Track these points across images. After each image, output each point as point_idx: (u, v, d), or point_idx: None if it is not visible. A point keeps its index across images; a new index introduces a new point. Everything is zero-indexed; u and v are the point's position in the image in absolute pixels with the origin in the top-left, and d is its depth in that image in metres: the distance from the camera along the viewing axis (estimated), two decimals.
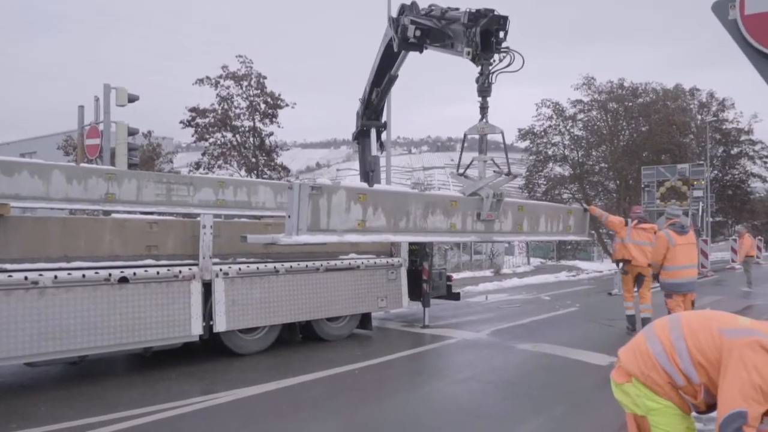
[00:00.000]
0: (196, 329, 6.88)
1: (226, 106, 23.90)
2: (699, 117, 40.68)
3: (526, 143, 37.44)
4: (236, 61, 23.91)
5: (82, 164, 12.60)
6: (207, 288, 7.08)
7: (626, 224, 9.82)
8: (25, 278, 5.72)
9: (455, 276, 14.50)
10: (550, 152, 37.71)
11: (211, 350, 7.54)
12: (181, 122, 23.75)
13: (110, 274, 6.27)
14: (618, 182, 36.70)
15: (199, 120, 23.79)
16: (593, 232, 30.53)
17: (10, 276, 5.65)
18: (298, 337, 8.44)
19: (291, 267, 7.88)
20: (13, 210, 6.46)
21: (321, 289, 8.20)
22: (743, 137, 41.69)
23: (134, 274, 6.45)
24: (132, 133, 15.87)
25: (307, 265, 8.06)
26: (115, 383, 6.42)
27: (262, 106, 24.33)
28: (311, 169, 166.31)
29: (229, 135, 24.29)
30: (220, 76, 23.62)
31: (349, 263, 8.62)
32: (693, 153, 37.43)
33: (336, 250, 8.39)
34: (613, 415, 4.72)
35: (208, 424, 5.10)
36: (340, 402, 5.83)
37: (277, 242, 5.74)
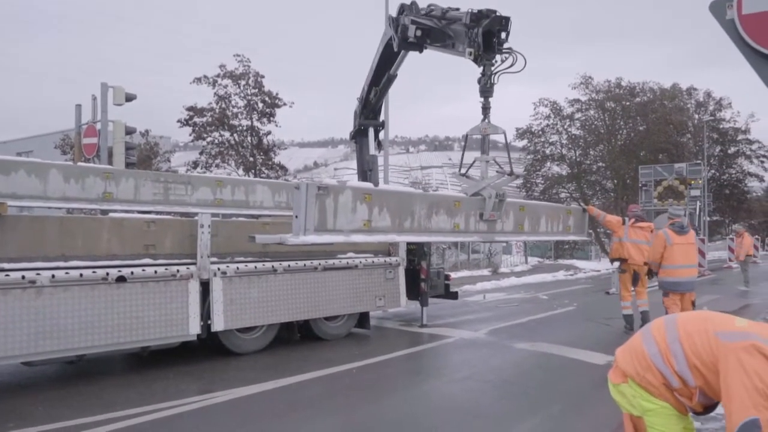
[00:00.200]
0: (194, 328, 6.88)
1: (223, 105, 23.87)
2: (696, 116, 40.80)
3: (524, 142, 37.48)
4: (234, 60, 23.92)
5: (80, 163, 12.58)
6: (205, 287, 7.07)
7: (623, 223, 9.87)
8: (23, 277, 5.71)
9: (453, 275, 14.51)
10: (547, 151, 37.74)
11: (208, 349, 7.54)
12: (178, 121, 23.73)
13: (108, 274, 6.26)
14: (615, 181, 36.75)
15: (196, 119, 23.76)
16: (591, 231, 30.56)
17: (7, 275, 5.64)
18: (296, 336, 8.44)
19: (289, 266, 7.88)
20: (10, 209, 6.44)
21: (319, 289, 8.20)
22: (740, 136, 41.82)
23: (132, 273, 6.44)
24: (129, 132, 15.84)
25: (305, 264, 8.06)
26: (113, 382, 6.41)
27: (260, 105, 24.31)
28: (309, 168, 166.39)
29: (226, 134, 24.27)
30: (218, 75, 23.61)
31: (347, 262, 8.62)
32: (690, 152, 37.53)
33: (334, 249, 8.39)
34: (610, 414, 4.74)
35: (205, 424, 5.10)
36: (338, 401, 5.84)
37: (285, 242, 5.73)
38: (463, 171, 7.70)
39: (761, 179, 44.94)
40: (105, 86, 15.35)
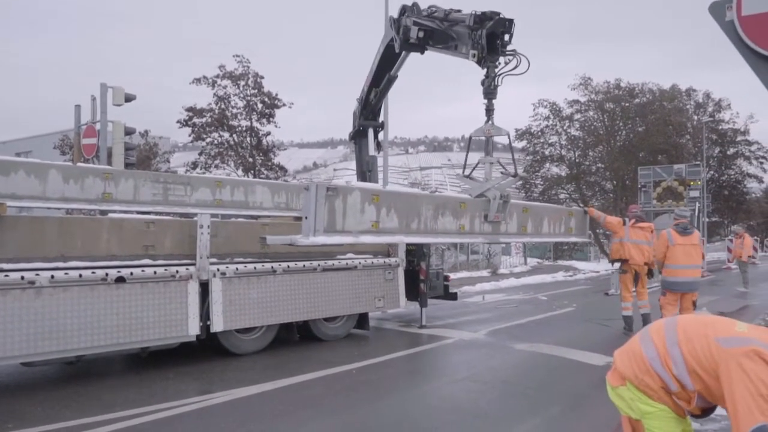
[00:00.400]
0: (193, 329, 6.87)
1: (223, 106, 23.90)
2: (695, 117, 40.83)
3: (523, 143, 37.50)
4: (233, 60, 23.94)
5: (79, 164, 12.57)
6: (204, 288, 7.07)
7: (624, 224, 9.90)
8: (22, 278, 5.71)
9: (452, 276, 14.52)
10: (546, 152, 37.76)
11: (208, 350, 7.53)
12: (178, 122, 23.76)
13: (107, 274, 6.26)
14: (615, 182, 36.77)
15: (196, 119, 23.79)
16: (590, 232, 30.57)
17: (6, 276, 5.63)
18: (296, 337, 8.44)
19: (288, 267, 7.88)
20: (9, 209, 6.44)
21: (318, 289, 8.20)
22: (739, 138, 41.85)
23: (131, 273, 6.44)
24: (129, 132, 15.84)
25: (304, 265, 8.06)
26: (112, 383, 6.40)
27: (259, 105, 24.34)
28: (308, 169, 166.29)
29: (226, 135, 24.29)
30: (218, 76, 23.65)
31: (347, 263, 8.62)
32: (689, 153, 37.54)
33: (333, 250, 8.39)
34: (609, 415, 4.73)
35: (205, 425, 5.09)
36: (338, 402, 5.83)
37: (295, 243, 5.75)
38: (467, 172, 7.71)
39: (760, 180, 45.04)
40: (104, 86, 15.35)
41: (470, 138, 7.68)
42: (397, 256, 9.33)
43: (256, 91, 24.12)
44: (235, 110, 24.18)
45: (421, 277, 9.86)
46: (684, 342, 2.72)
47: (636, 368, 2.85)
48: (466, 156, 7.82)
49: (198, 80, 23.54)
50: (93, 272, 6.18)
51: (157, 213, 9.50)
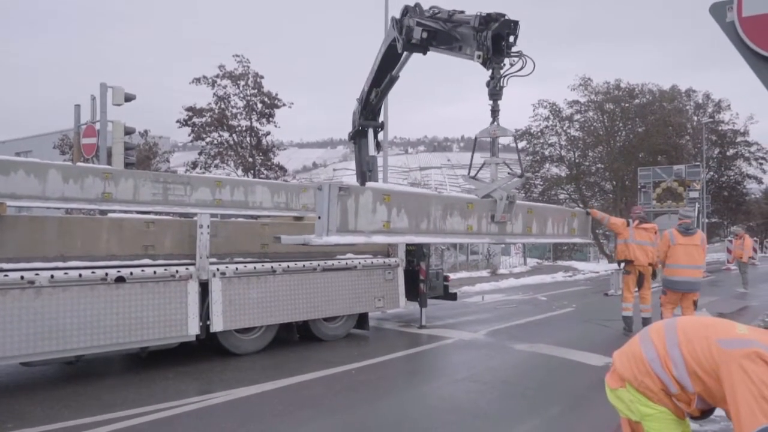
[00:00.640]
0: (193, 329, 6.87)
1: (222, 106, 23.88)
2: (695, 118, 40.84)
3: (523, 144, 37.48)
4: (233, 60, 23.92)
5: (79, 163, 12.56)
6: (204, 288, 7.07)
7: (628, 225, 9.93)
8: (22, 278, 5.70)
9: (452, 276, 14.52)
10: (546, 153, 37.75)
11: (207, 350, 7.53)
12: (177, 121, 23.74)
13: (107, 274, 6.26)
14: (614, 183, 36.77)
15: (195, 119, 23.77)
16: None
17: (6, 275, 5.63)
18: (295, 337, 8.44)
19: (288, 267, 7.88)
20: (9, 209, 6.44)
21: (318, 289, 8.20)
22: (739, 138, 41.86)
23: (131, 273, 6.44)
24: (128, 132, 15.83)
25: (304, 265, 8.06)
26: (112, 383, 6.40)
27: (259, 105, 24.32)
28: (308, 169, 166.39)
29: (225, 134, 24.28)
30: (217, 76, 23.62)
31: (346, 263, 8.62)
32: (689, 154, 37.56)
33: (333, 250, 8.39)
34: (608, 416, 4.73)
35: (204, 425, 5.09)
36: (337, 402, 5.83)
37: (309, 243, 5.76)
38: (472, 173, 7.75)
39: (760, 181, 45.02)
40: (104, 86, 15.34)
41: (476, 139, 7.70)
42: (396, 256, 9.33)
43: (255, 91, 24.10)
44: (234, 110, 24.17)
45: (420, 277, 9.86)
46: (684, 343, 2.71)
47: (635, 370, 2.84)
48: (472, 157, 7.85)
49: (198, 80, 23.52)
50: (93, 272, 6.18)
51: (156, 213, 9.49)
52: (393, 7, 18.08)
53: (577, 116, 37.03)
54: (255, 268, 7.55)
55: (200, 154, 24.44)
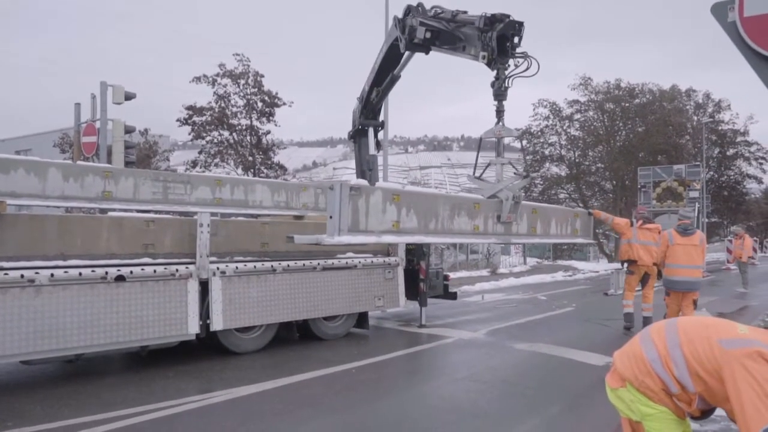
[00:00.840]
0: (193, 328, 6.87)
1: (223, 105, 23.86)
2: (695, 118, 40.84)
3: (523, 143, 37.46)
4: (233, 59, 23.90)
5: (79, 162, 12.55)
6: (204, 287, 7.07)
7: (631, 225, 9.98)
8: (22, 276, 5.70)
9: (452, 275, 14.52)
10: (546, 152, 37.77)
11: (207, 349, 7.53)
12: (177, 120, 23.71)
13: (107, 273, 6.26)
14: (614, 182, 36.79)
15: (195, 118, 23.75)
16: None
17: (6, 274, 5.63)
18: (295, 336, 8.44)
19: (288, 266, 7.88)
20: (9, 208, 6.43)
21: (318, 288, 8.20)
22: (739, 138, 41.86)
23: (131, 272, 6.44)
24: (128, 130, 15.83)
25: (304, 264, 8.06)
26: (112, 382, 6.40)
27: (259, 104, 24.30)
28: (308, 168, 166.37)
29: (225, 133, 24.26)
30: (218, 74, 23.59)
31: (346, 262, 8.62)
32: (689, 154, 37.56)
33: (333, 249, 8.39)
34: (608, 416, 4.73)
35: (204, 423, 5.09)
36: (337, 401, 5.83)
37: (321, 243, 5.78)
38: (477, 173, 7.78)
39: (760, 181, 45.02)
40: (104, 85, 15.33)
41: (481, 139, 7.72)
42: (396, 255, 9.34)
43: (256, 89, 24.09)
44: (235, 109, 24.15)
45: (420, 277, 9.86)
46: (686, 344, 2.71)
47: (636, 370, 2.84)
48: (477, 157, 7.89)
49: (198, 79, 23.50)
50: (93, 271, 6.18)
51: (156, 211, 9.49)
52: (393, 7, 18.05)
53: (577, 116, 37.06)
54: (255, 267, 7.55)
55: (200, 152, 24.43)
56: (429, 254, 10.12)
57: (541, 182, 37.62)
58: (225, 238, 7.51)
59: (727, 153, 42.80)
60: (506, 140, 7.78)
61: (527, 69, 7.21)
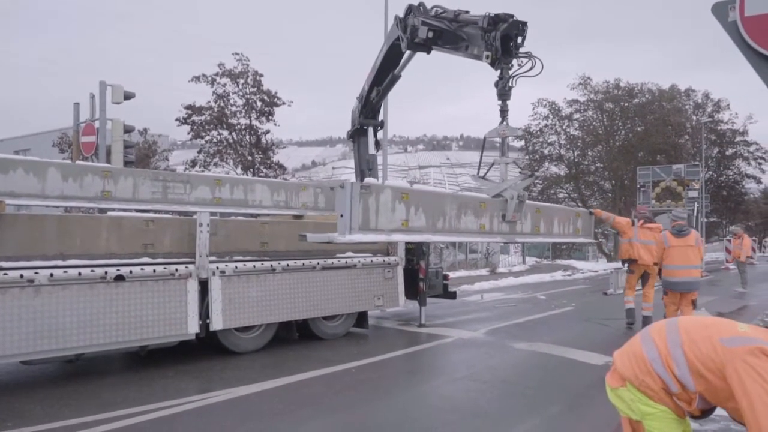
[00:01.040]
0: (193, 327, 6.87)
1: (222, 104, 23.84)
2: (694, 118, 40.88)
3: (522, 142, 37.51)
4: (233, 58, 23.88)
5: (78, 162, 12.54)
6: (203, 286, 7.07)
7: (633, 224, 10.02)
8: (21, 276, 5.70)
9: (451, 275, 14.52)
10: (545, 152, 37.79)
11: (207, 348, 7.53)
12: (177, 120, 23.69)
13: (106, 273, 6.25)
14: (613, 182, 36.81)
15: (195, 117, 23.73)
16: None
17: (5, 274, 5.63)
18: (295, 336, 8.43)
19: (288, 265, 7.87)
20: (8, 207, 6.43)
21: (318, 288, 8.19)
22: (738, 138, 41.91)
23: (131, 272, 6.43)
24: (128, 130, 15.80)
25: (303, 264, 8.06)
26: (111, 382, 6.39)
27: (259, 103, 24.28)
28: (307, 167, 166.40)
29: (225, 133, 24.24)
30: (217, 74, 23.58)
31: (346, 262, 8.62)
32: (688, 153, 37.60)
33: (333, 248, 8.39)
34: (608, 415, 4.74)
35: (204, 423, 5.09)
36: (337, 401, 5.83)
37: (333, 241, 5.83)
38: (482, 173, 7.83)
39: (758, 181, 45.05)
40: (103, 84, 15.30)
41: (485, 139, 7.74)
42: (396, 255, 9.34)
43: (255, 89, 24.07)
44: (234, 108, 24.14)
45: (420, 276, 9.87)
46: (687, 343, 2.72)
47: (637, 369, 2.84)
48: (481, 156, 7.93)
49: (197, 78, 23.49)
50: (92, 270, 6.18)
51: (156, 211, 9.48)
52: (392, 7, 18.03)
53: (577, 115, 37.09)
54: (254, 266, 7.55)
55: (199, 152, 24.41)
56: (428, 253, 10.12)
57: (541, 182, 37.63)
58: (224, 238, 7.51)
59: (726, 153, 42.86)
60: (508, 140, 7.80)
61: (531, 69, 7.24)
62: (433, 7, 8.47)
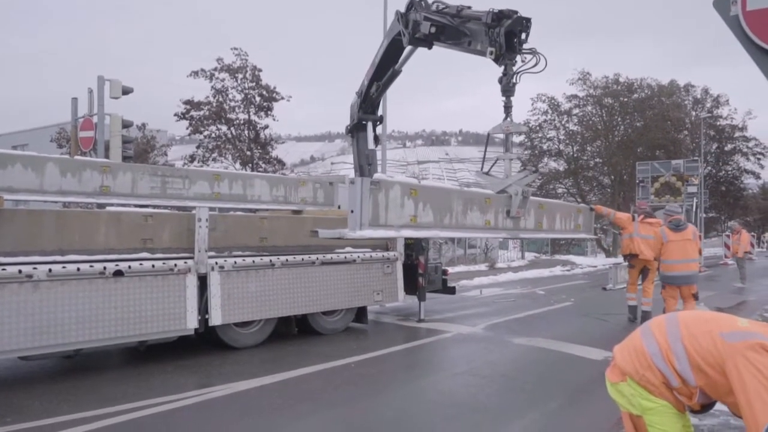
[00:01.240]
0: (192, 323, 6.86)
1: (220, 99, 23.79)
2: (693, 113, 40.87)
3: (521, 138, 37.50)
4: (231, 53, 23.81)
5: (76, 157, 12.53)
6: (202, 281, 7.06)
7: (633, 220, 10.06)
8: (20, 272, 5.69)
9: (450, 270, 14.51)
10: (544, 147, 37.78)
11: (206, 344, 7.53)
12: (175, 115, 23.62)
13: (105, 268, 6.24)
14: (612, 177, 36.83)
15: (193, 112, 23.68)
16: None
17: (4, 269, 5.62)
18: (294, 331, 8.43)
19: (287, 260, 7.86)
20: (6, 203, 6.41)
21: (317, 283, 8.19)
22: (737, 134, 41.95)
23: (129, 267, 6.42)
24: (126, 125, 15.75)
25: (302, 259, 8.05)
26: (110, 377, 6.39)
27: (257, 98, 24.22)
28: (305, 163, 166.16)
29: (223, 128, 24.20)
30: (215, 69, 23.51)
31: (345, 257, 8.61)
32: (687, 149, 37.61)
33: (332, 244, 8.37)
34: (607, 410, 4.74)
35: (203, 418, 5.09)
36: (336, 396, 5.83)
37: (344, 237, 5.87)
38: (485, 169, 7.84)
39: (757, 176, 45.12)
40: (101, 79, 15.24)
41: (488, 135, 7.74)
42: (395, 250, 9.33)
43: (254, 84, 24.01)
44: (233, 103, 24.08)
45: (419, 271, 9.86)
46: (687, 338, 2.72)
47: (637, 364, 2.84)
48: (485, 152, 7.93)
49: (195, 73, 23.43)
50: (91, 266, 6.16)
51: (155, 206, 9.45)
52: (391, 3, 17.98)
53: (576, 110, 37.06)
54: (254, 261, 7.54)
55: (198, 147, 24.36)
56: (428, 249, 10.12)
57: (540, 177, 37.63)
58: (223, 233, 7.49)
59: (725, 148, 42.91)
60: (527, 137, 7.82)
61: (536, 65, 7.24)
62: (434, 2, 8.44)
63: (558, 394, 5.94)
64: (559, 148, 37.65)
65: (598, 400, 5.27)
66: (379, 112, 11.97)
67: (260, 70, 24.05)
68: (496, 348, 8.10)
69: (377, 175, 6.44)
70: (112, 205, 8.69)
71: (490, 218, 7.22)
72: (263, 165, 24.43)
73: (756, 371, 2.44)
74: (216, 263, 7.16)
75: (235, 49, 23.72)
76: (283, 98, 24.65)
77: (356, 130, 11.75)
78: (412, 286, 9.84)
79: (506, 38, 7.08)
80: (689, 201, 25.94)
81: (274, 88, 24.39)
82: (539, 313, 11.54)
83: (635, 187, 28.66)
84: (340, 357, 7.29)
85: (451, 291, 11.11)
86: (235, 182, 10.58)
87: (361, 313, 9.17)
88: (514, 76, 7.29)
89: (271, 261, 7.70)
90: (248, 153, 24.25)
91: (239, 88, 23.96)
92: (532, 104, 36.66)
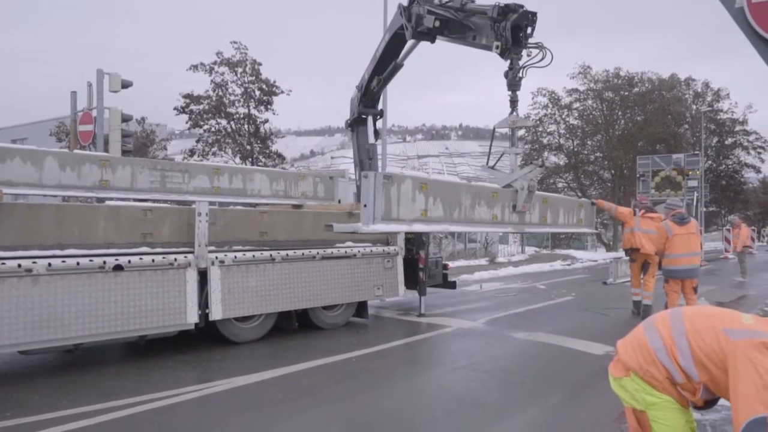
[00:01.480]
0: (192, 317, 6.85)
1: (220, 93, 23.69)
2: (694, 107, 40.82)
3: (521, 132, 37.43)
4: (231, 47, 23.71)
5: (76, 151, 12.48)
6: (203, 276, 7.04)
7: (634, 214, 10.06)
8: (19, 266, 5.66)
9: (450, 264, 14.51)
10: (545, 141, 37.73)
11: (206, 338, 7.52)
12: (175, 109, 23.53)
13: (105, 262, 6.22)
14: (613, 171, 36.81)
15: (193, 107, 23.58)
16: None
17: (3, 263, 5.59)
18: (295, 326, 8.42)
19: (287, 255, 7.84)
20: (5, 197, 6.38)
21: (317, 278, 8.17)
22: (737, 128, 41.87)
23: (129, 261, 6.40)
24: (125, 119, 15.70)
25: (303, 253, 8.03)
26: (110, 371, 6.38)
27: (257, 93, 24.13)
28: (305, 157, 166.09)
29: (223, 122, 24.12)
30: (215, 63, 23.41)
31: (346, 251, 8.59)
32: (688, 143, 37.58)
33: (332, 238, 8.35)
34: (608, 405, 4.74)
35: (203, 413, 5.08)
36: (337, 390, 5.82)
37: (357, 231, 5.90)
38: (491, 164, 7.85)
39: (758, 170, 45.09)
40: (101, 73, 15.18)
41: (494, 129, 7.73)
42: (396, 245, 9.31)
43: (253, 78, 23.92)
44: (232, 97, 23.98)
45: (420, 266, 9.84)
46: (691, 333, 2.70)
47: (641, 359, 2.82)
48: (490, 147, 7.93)
49: (195, 67, 23.32)
50: (90, 260, 6.14)
51: (154, 200, 9.44)
52: (392, 1, 17.93)
53: (576, 104, 37.00)
54: (254, 256, 7.52)
55: (198, 141, 24.29)
56: (428, 243, 10.11)
57: (543, 171, 37.61)
58: (223, 227, 7.47)
59: (726, 142, 42.85)
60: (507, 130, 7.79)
61: (542, 59, 7.21)
62: None
63: (559, 389, 5.93)
64: (560, 142, 37.62)
65: (599, 394, 5.27)
66: (380, 107, 11.92)
67: (260, 64, 23.96)
68: (496, 343, 8.09)
69: (389, 170, 6.46)
70: (111, 199, 8.68)
71: (497, 212, 7.25)
72: (263, 159, 24.37)
73: (753, 369, 2.43)
74: (216, 258, 7.14)
75: (235, 42, 23.64)
76: (282, 92, 24.57)
77: (356, 124, 11.70)
78: (412, 280, 9.83)
79: (512, 32, 7.05)
80: (690, 195, 25.94)
81: (274, 82, 24.31)
82: (540, 307, 11.54)
83: (636, 181, 28.65)
84: (341, 352, 7.28)
85: (452, 285, 11.10)
86: (235, 176, 10.57)
87: (361, 308, 9.16)
88: (521, 71, 7.27)
89: (271, 255, 7.68)
90: (248, 147, 24.18)
91: (239, 82, 23.87)
92: (533, 98, 36.63)
